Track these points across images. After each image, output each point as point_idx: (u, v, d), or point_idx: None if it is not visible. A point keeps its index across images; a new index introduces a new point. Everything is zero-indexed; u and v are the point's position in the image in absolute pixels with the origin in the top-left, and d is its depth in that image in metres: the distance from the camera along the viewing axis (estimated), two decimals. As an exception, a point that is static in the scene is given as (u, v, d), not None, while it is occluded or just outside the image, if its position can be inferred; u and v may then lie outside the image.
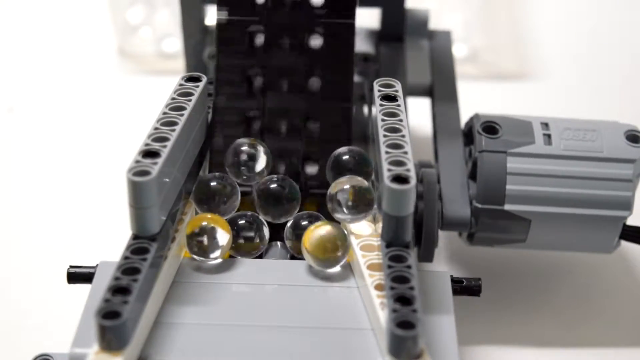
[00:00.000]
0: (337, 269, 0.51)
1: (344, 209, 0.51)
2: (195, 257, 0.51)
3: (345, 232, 0.51)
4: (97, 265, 0.51)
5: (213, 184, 0.53)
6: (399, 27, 0.71)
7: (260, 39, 0.57)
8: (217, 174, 0.54)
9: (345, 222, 0.52)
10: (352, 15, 0.57)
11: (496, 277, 0.67)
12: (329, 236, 0.50)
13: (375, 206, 0.52)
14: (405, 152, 0.49)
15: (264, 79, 0.57)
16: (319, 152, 0.56)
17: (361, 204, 0.51)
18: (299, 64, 0.57)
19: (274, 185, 0.53)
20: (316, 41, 0.57)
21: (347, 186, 0.51)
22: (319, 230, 0.50)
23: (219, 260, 0.51)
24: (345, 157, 0.54)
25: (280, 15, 0.57)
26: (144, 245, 0.47)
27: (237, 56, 0.57)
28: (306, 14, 0.57)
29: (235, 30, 0.57)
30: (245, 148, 0.54)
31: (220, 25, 0.58)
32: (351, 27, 0.57)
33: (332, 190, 0.51)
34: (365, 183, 0.51)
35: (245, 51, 0.57)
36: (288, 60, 0.57)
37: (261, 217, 0.53)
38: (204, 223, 0.51)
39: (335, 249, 0.50)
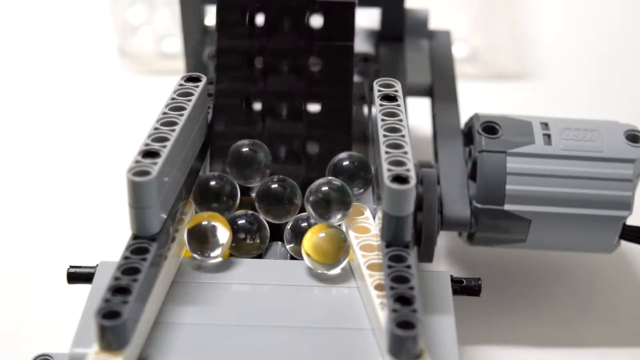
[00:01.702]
0: (337, 270, 0.51)
1: (317, 209, 0.51)
2: (195, 255, 0.51)
3: (345, 234, 0.51)
4: (97, 265, 0.51)
5: (213, 183, 0.53)
6: (399, 27, 0.71)
7: (260, 21, 0.57)
8: (216, 173, 0.54)
9: (318, 222, 0.52)
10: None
11: (496, 277, 0.67)
12: (329, 239, 0.50)
13: (350, 209, 0.52)
14: (405, 152, 0.49)
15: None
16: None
17: (334, 205, 0.51)
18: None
19: (275, 186, 0.53)
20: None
21: (324, 188, 0.51)
22: (319, 234, 0.50)
23: (219, 259, 0.51)
24: (345, 162, 0.54)
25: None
26: (144, 245, 0.47)
27: (238, 39, 0.57)
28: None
29: (235, 14, 0.57)
30: (245, 149, 0.54)
31: (220, 8, 0.57)
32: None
33: (307, 192, 0.52)
34: (340, 185, 0.52)
35: (247, 33, 0.57)
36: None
37: (262, 217, 0.53)
38: (205, 222, 0.51)
39: (335, 252, 0.50)
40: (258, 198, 0.53)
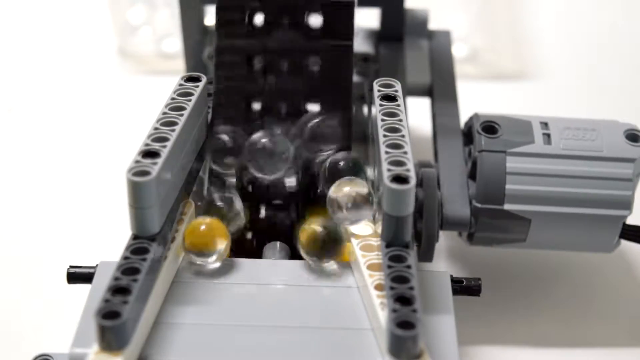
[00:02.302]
0: (334, 266, 0.51)
1: (344, 211, 0.51)
2: (192, 260, 0.51)
3: (339, 227, 0.51)
4: (97, 265, 0.51)
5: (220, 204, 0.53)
6: (399, 27, 0.71)
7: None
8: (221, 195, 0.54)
9: (345, 224, 0.52)
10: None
11: (496, 277, 0.67)
12: (322, 229, 0.50)
13: (374, 207, 0.52)
14: (405, 152, 0.49)
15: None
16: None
17: (360, 206, 0.51)
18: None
19: (265, 140, 0.53)
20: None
21: (347, 188, 0.51)
22: (313, 225, 0.50)
23: (217, 264, 0.51)
24: (341, 164, 0.54)
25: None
26: (144, 245, 0.47)
27: (237, 38, 0.57)
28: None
29: (235, 14, 0.57)
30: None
31: (219, 9, 0.57)
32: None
33: (332, 193, 0.52)
34: (364, 185, 0.51)
35: (246, 33, 0.57)
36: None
37: (254, 174, 0.54)
38: (202, 226, 0.50)
39: (329, 242, 0.50)
40: (249, 155, 0.53)
